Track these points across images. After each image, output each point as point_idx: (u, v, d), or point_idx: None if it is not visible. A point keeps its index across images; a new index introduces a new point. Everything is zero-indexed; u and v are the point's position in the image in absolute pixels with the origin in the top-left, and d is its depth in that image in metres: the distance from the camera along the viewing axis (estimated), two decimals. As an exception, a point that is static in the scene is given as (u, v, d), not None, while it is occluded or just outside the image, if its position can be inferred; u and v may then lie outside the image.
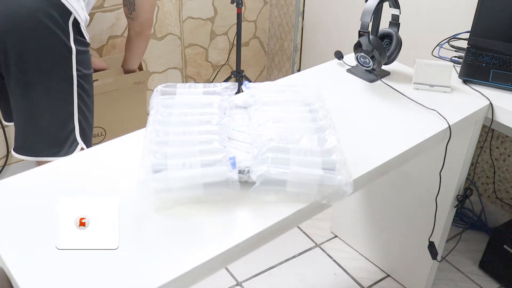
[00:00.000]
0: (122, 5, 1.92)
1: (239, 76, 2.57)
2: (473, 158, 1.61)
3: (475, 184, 2.16)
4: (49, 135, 1.54)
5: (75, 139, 1.56)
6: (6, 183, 1.03)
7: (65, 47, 1.47)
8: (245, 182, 0.98)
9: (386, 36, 1.48)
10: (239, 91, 1.28)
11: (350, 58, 1.55)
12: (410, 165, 1.45)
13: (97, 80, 2.04)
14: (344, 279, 1.94)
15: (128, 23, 1.96)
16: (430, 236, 1.55)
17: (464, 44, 1.66)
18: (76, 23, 1.47)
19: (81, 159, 1.13)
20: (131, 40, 1.99)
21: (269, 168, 0.94)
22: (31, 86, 1.48)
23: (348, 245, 2.08)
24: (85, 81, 1.56)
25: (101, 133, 2.18)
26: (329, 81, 1.49)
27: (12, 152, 1.58)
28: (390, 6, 1.46)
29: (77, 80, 1.52)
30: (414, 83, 1.44)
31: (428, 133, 1.24)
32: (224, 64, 2.83)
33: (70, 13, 1.45)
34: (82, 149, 1.57)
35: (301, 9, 2.64)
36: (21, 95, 1.49)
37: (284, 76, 2.09)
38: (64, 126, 1.54)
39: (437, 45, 1.70)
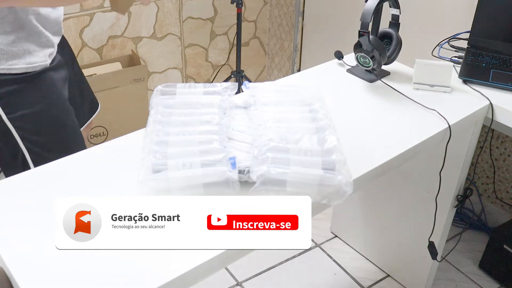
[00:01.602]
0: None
1: (239, 76, 2.57)
2: (473, 158, 1.61)
3: (475, 184, 2.16)
4: None
5: None
6: (6, 183, 1.03)
7: None
8: (245, 182, 0.98)
9: (386, 36, 1.48)
10: (239, 91, 1.28)
11: (350, 58, 1.55)
12: (410, 165, 1.45)
13: (95, 74, 2.04)
14: (344, 279, 1.94)
15: None
16: (430, 236, 1.55)
17: (464, 44, 1.66)
18: None
19: (81, 159, 1.13)
20: None
21: (269, 168, 0.94)
22: None
23: (348, 245, 2.07)
24: (28, 120, 1.26)
25: (103, 133, 2.18)
26: (329, 81, 1.49)
27: None
28: (390, 6, 1.45)
29: (13, 126, 1.24)
30: (414, 83, 1.44)
31: (428, 133, 1.24)
32: (224, 64, 2.83)
33: None
34: None
35: (301, 9, 2.64)
36: None
37: (284, 76, 2.09)
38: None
39: (437, 45, 1.70)
